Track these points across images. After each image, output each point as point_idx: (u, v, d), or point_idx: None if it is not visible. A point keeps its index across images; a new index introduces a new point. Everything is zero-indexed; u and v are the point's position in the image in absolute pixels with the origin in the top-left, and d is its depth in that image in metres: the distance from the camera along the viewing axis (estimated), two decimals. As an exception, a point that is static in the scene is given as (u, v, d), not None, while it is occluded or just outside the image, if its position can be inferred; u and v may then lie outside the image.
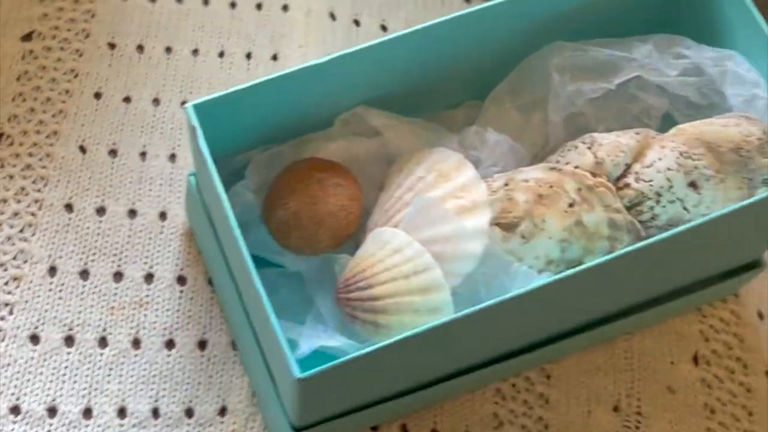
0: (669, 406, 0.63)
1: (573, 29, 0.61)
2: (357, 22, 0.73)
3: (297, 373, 0.47)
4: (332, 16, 0.73)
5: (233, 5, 0.72)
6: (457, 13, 0.58)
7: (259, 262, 0.59)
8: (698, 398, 0.64)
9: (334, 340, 0.55)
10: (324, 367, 0.48)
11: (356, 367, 0.49)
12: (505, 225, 0.55)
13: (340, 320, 0.57)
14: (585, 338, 0.62)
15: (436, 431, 0.61)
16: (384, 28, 0.73)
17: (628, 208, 0.57)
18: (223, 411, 0.59)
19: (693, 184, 0.56)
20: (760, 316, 0.67)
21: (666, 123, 0.60)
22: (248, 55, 0.70)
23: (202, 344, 0.61)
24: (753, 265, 0.64)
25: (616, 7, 0.61)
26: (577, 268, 0.51)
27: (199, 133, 0.52)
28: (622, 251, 0.52)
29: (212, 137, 0.56)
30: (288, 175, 0.57)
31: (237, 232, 0.50)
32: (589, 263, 0.51)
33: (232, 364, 0.60)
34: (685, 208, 0.56)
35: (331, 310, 0.57)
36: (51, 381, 0.59)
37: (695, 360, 0.65)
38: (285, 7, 0.73)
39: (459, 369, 0.58)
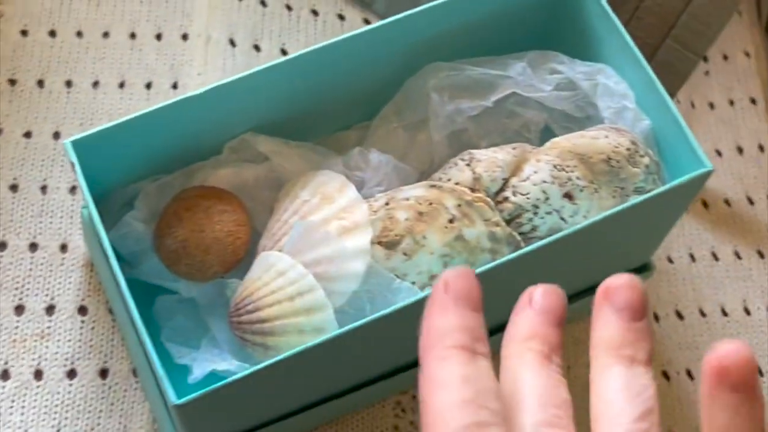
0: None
1: (453, 49, 0.63)
2: (257, 48, 0.75)
3: (174, 399, 0.49)
4: (232, 43, 0.74)
5: (133, 36, 0.73)
6: (339, 38, 0.59)
7: (156, 289, 0.61)
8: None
9: (226, 364, 0.56)
10: (202, 392, 0.49)
11: (237, 389, 0.50)
12: (386, 243, 0.57)
13: (235, 344, 0.58)
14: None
15: (337, 446, 0.62)
16: (284, 52, 0.75)
17: (508, 221, 0.58)
18: (125, 437, 0.61)
19: (568, 195, 0.58)
20: (656, 317, 0.69)
21: (547, 136, 0.62)
22: (148, 85, 0.72)
23: (103, 372, 0.62)
24: (642, 268, 0.66)
25: (493, 27, 0.63)
26: (451, 283, 0.53)
27: (77, 168, 0.53)
28: (498, 261, 0.54)
29: (102, 170, 0.57)
30: (176, 204, 0.58)
31: (114, 261, 0.52)
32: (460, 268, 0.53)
33: (134, 390, 0.62)
34: (562, 218, 0.58)
35: (226, 334, 0.59)
36: (-47, 416, 0.60)
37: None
38: (184, 36, 0.74)
39: (354, 384, 0.60)
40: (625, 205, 0.54)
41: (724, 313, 0.70)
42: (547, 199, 0.58)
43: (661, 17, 0.66)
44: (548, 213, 0.58)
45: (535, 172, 0.58)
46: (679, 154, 0.57)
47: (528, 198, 0.58)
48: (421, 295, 0.53)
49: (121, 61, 0.72)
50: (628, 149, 0.58)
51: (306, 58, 0.58)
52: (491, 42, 0.63)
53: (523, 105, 0.62)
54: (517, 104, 0.62)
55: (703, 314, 0.69)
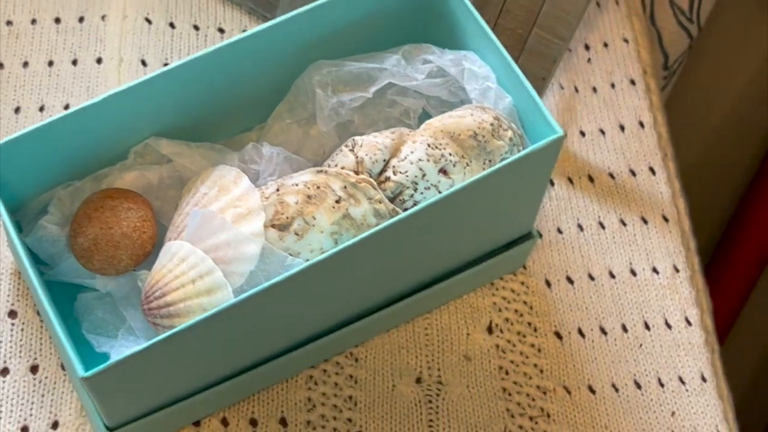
0: (466, 373, 0.70)
1: (337, 49, 0.68)
2: (167, 65, 0.80)
3: (81, 372, 0.54)
4: (143, 63, 0.80)
5: (51, 63, 0.79)
6: (228, 40, 0.65)
7: (77, 287, 0.66)
8: (493, 362, 0.71)
9: (137, 348, 0.62)
10: (108, 363, 0.54)
11: (143, 360, 0.56)
12: (279, 225, 0.62)
13: (150, 330, 0.63)
14: (386, 318, 0.69)
15: (254, 420, 0.67)
16: (194, 69, 0.80)
17: (392, 199, 0.64)
18: (55, 425, 0.65)
19: (443, 171, 0.64)
20: (548, 284, 0.75)
21: (426, 121, 0.68)
22: (66, 107, 0.77)
23: (34, 369, 0.67)
24: (526, 237, 0.71)
25: (371, 27, 0.69)
26: (334, 250, 0.58)
27: (-15, 176, 0.59)
28: (376, 228, 0.59)
29: (17, 180, 0.63)
30: (85, 206, 0.64)
31: (26, 261, 0.57)
32: (344, 243, 0.59)
33: (63, 383, 0.67)
34: (440, 192, 0.64)
35: (141, 322, 0.64)
36: None
37: (489, 329, 0.72)
38: (99, 60, 0.80)
39: (267, 356, 0.65)
40: (488, 171, 0.60)
41: (612, 276, 0.75)
42: (424, 175, 0.64)
43: (526, 8, 0.72)
44: (427, 188, 0.64)
45: (412, 152, 0.64)
46: (536, 126, 0.63)
47: (407, 176, 0.64)
48: (305, 264, 0.58)
49: (40, 87, 0.78)
50: (491, 124, 0.64)
51: (199, 62, 0.64)
52: (370, 40, 0.69)
53: (402, 94, 0.68)
54: (396, 93, 0.68)
55: (591, 278, 0.75)
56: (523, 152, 0.61)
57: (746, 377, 1.21)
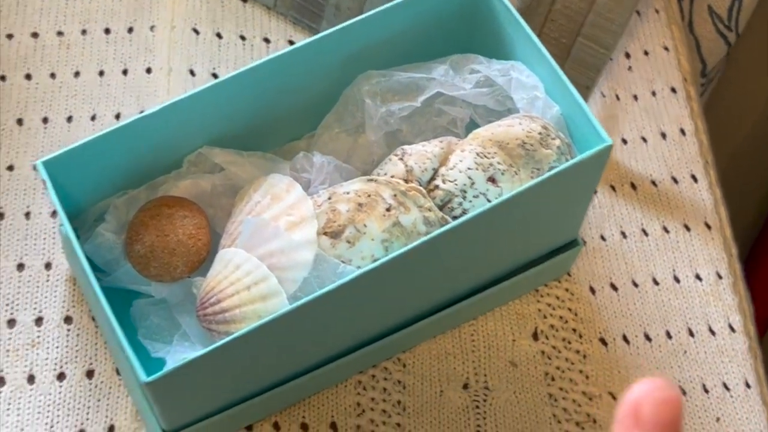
0: (512, 379, 0.71)
1: (384, 59, 0.70)
2: (215, 75, 0.82)
3: (143, 377, 0.55)
4: (192, 73, 0.81)
5: (101, 73, 0.81)
6: (279, 52, 0.66)
7: (133, 294, 0.67)
8: (538, 368, 0.72)
9: (196, 354, 0.63)
10: (169, 369, 0.56)
11: (202, 365, 0.57)
12: (331, 233, 0.64)
13: (205, 336, 0.65)
14: (433, 325, 0.70)
15: (305, 424, 0.68)
16: (240, 78, 0.82)
17: (441, 207, 0.65)
18: (111, 429, 0.67)
19: (491, 179, 0.65)
20: (592, 290, 0.75)
21: (473, 130, 0.69)
22: (117, 116, 0.79)
23: (90, 373, 0.69)
24: (572, 245, 0.72)
25: (417, 37, 0.70)
26: (388, 257, 0.59)
27: (49, 184, 0.60)
28: (427, 237, 0.60)
29: (75, 189, 0.64)
30: (142, 213, 0.65)
31: (87, 267, 0.58)
32: (394, 251, 0.60)
33: (118, 387, 0.68)
34: (488, 200, 0.65)
35: (195, 328, 0.65)
36: (-44, 421, 0.66)
37: (535, 336, 0.73)
38: (148, 70, 0.81)
39: (317, 362, 0.66)
40: (538, 179, 0.61)
41: (656, 282, 0.76)
42: (473, 184, 0.65)
43: (570, 18, 0.73)
44: (475, 196, 0.65)
45: (461, 161, 0.65)
46: (585, 135, 0.64)
47: (456, 184, 0.65)
48: (358, 272, 0.59)
49: (91, 97, 0.79)
50: (540, 133, 0.65)
51: (250, 73, 0.65)
52: (417, 50, 0.70)
53: (449, 104, 0.69)
54: (444, 103, 0.69)
55: (635, 285, 0.76)
56: (572, 161, 0.61)
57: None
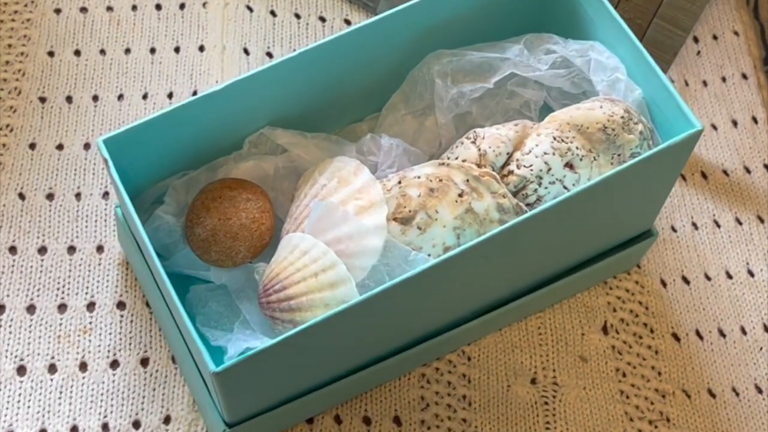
0: (582, 374, 0.68)
1: (453, 38, 0.67)
2: (270, 55, 0.79)
3: (212, 367, 0.52)
4: (246, 51, 0.79)
5: (153, 51, 0.78)
6: (343, 31, 0.63)
7: (188, 279, 0.64)
8: (609, 364, 0.69)
9: (258, 342, 0.60)
10: (238, 358, 0.53)
11: (269, 357, 0.54)
12: (401, 219, 0.61)
13: (265, 324, 0.62)
14: (499, 317, 0.67)
15: (367, 417, 0.66)
16: (295, 58, 0.79)
17: (515, 193, 0.62)
18: (167, 420, 0.64)
19: (569, 165, 0.62)
20: (663, 283, 0.72)
21: (546, 114, 0.66)
22: (170, 95, 0.76)
23: (144, 361, 0.66)
24: (646, 235, 0.69)
25: (489, 15, 0.67)
26: (465, 246, 0.56)
27: (110, 163, 0.57)
28: (505, 226, 0.57)
29: (133, 170, 0.62)
30: (203, 196, 0.62)
31: (152, 251, 0.56)
32: (475, 240, 0.57)
33: (173, 376, 0.65)
34: (565, 187, 0.62)
35: (256, 315, 0.62)
36: (7, 408, 0.64)
37: (604, 329, 0.70)
38: (201, 48, 0.78)
39: (380, 354, 0.63)
40: (622, 167, 0.58)
41: (729, 276, 0.73)
42: (549, 169, 0.62)
43: (647, -2, 0.70)
44: (551, 183, 0.62)
45: (537, 145, 0.62)
46: (670, 119, 0.61)
47: (531, 170, 0.62)
48: (433, 262, 0.56)
49: (143, 75, 0.77)
50: (622, 117, 0.62)
51: (314, 53, 0.62)
52: (489, 29, 0.67)
53: (522, 85, 0.66)
54: (516, 85, 0.66)
55: (708, 278, 0.73)
56: (661, 146, 0.58)
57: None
